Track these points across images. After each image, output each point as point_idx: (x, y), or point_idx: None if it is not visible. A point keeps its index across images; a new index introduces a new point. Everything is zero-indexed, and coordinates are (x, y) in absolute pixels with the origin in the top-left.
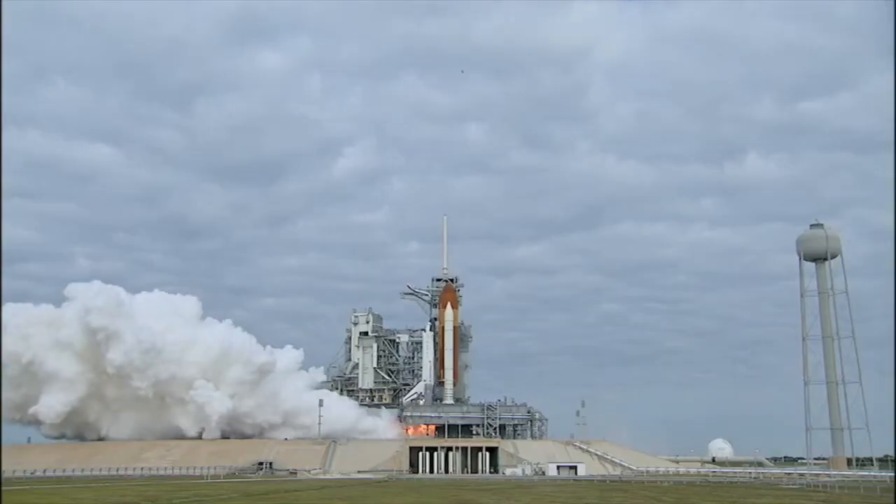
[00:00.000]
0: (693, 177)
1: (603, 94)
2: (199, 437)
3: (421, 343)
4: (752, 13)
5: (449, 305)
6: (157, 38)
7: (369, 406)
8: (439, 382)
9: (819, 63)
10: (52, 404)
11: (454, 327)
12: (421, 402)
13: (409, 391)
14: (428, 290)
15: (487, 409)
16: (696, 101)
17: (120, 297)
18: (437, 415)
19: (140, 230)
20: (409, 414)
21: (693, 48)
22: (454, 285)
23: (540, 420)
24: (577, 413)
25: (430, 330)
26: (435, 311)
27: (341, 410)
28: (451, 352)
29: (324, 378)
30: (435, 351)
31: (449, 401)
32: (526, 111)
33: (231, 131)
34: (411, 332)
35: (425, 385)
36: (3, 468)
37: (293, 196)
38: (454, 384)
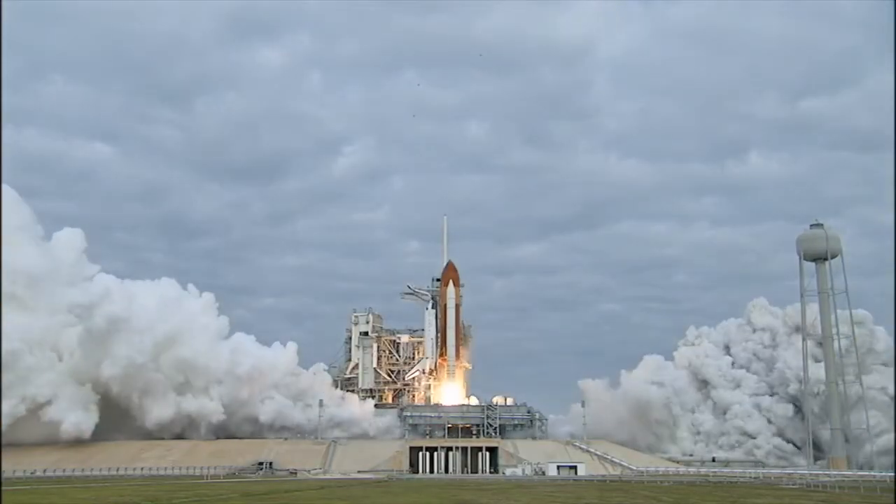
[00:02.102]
0: (695, 175)
1: (604, 92)
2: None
3: (421, 343)
4: (754, 10)
5: (451, 283)
6: (156, 35)
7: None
8: (441, 356)
9: (822, 60)
10: (69, 423)
11: (456, 305)
12: (423, 382)
13: (409, 392)
14: (428, 290)
15: (487, 409)
16: (698, 98)
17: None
18: (436, 415)
19: (139, 229)
20: (408, 414)
21: (695, 45)
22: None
23: (540, 420)
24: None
25: (433, 308)
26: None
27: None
28: (454, 329)
29: (328, 378)
30: (436, 329)
31: (450, 379)
32: (527, 109)
33: (230, 129)
34: (412, 331)
35: (428, 362)
36: (3, 468)
37: (293, 195)
38: (456, 359)
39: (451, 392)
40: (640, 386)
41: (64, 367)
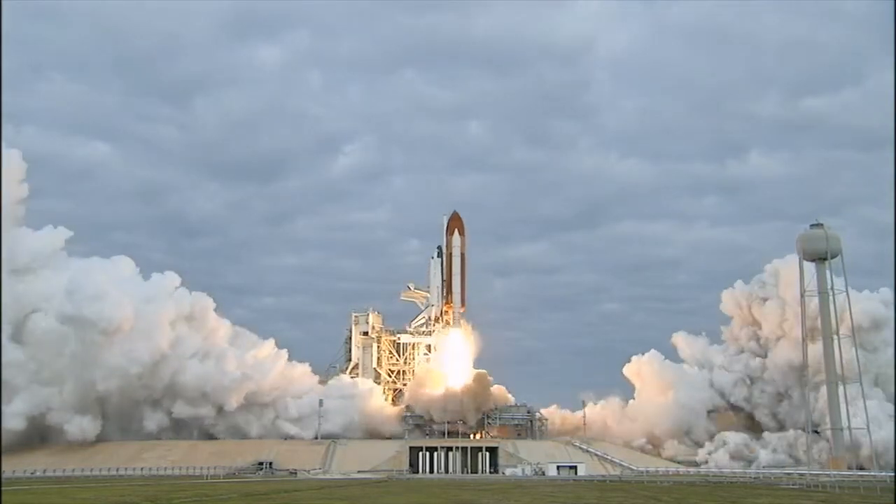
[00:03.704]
0: (695, 175)
1: (605, 91)
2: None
3: (422, 343)
4: (755, 8)
5: (456, 232)
6: (156, 33)
7: None
8: (446, 303)
9: (823, 59)
10: (78, 427)
11: (461, 253)
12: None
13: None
14: (428, 289)
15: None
16: (699, 97)
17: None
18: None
19: (138, 228)
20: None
21: (696, 44)
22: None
23: (540, 420)
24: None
25: (438, 256)
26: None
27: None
28: (459, 276)
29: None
30: (442, 276)
31: (455, 325)
32: (527, 107)
33: (230, 128)
34: (412, 331)
35: (433, 310)
36: (3, 468)
37: (293, 194)
38: (462, 305)
39: (455, 339)
40: (649, 419)
41: (60, 376)
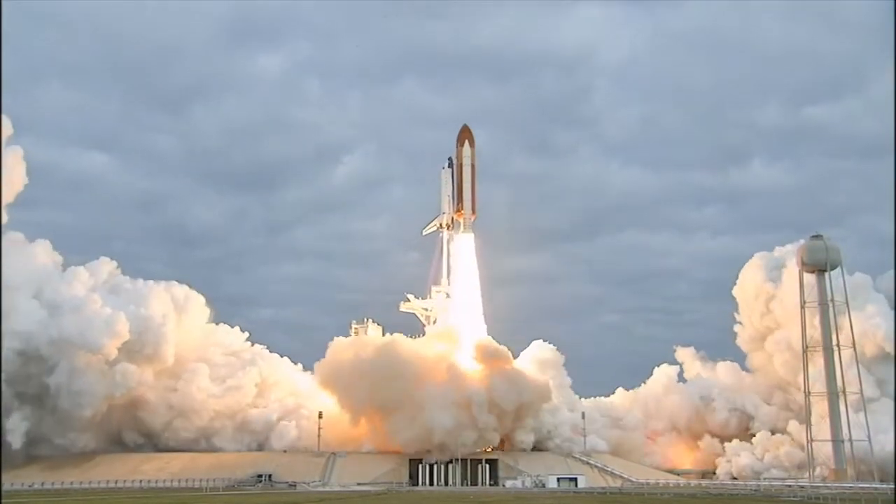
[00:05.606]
0: (696, 184)
1: (606, 99)
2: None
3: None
4: (756, 17)
5: (466, 143)
6: (154, 41)
7: None
8: (457, 211)
9: (824, 67)
10: (72, 442)
11: (471, 164)
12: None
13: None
14: (428, 299)
15: None
16: (701, 106)
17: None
18: None
19: (138, 239)
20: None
21: (697, 52)
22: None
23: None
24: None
25: (449, 167)
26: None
27: None
28: (469, 184)
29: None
30: (453, 185)
31: (466, 230)
32: (527, 116)
33: (229, 137)
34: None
35: (445, 217)
36: (3, 479)
37: (292, 203)
38: (472, 213)
39: (466, 244)
40: (667, 449)
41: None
